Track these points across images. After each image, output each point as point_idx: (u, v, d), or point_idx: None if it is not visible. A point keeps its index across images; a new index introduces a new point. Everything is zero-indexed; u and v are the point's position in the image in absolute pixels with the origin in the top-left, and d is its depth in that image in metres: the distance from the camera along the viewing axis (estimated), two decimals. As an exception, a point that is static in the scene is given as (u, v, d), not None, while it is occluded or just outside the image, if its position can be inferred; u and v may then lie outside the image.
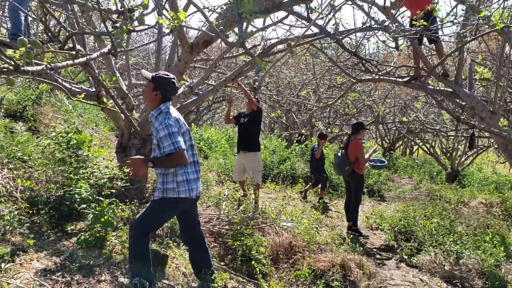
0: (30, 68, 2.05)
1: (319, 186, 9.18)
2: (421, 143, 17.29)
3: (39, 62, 2.10)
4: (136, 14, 3.02)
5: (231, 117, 7.43)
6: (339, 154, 7.03)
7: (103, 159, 6.33)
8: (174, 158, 3.26)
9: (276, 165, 10.47)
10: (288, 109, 16.04)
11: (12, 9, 5.15)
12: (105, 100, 5.22)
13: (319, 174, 9.10)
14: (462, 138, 14.07)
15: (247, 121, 7.07)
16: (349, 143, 6.94)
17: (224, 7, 4.19)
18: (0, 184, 4.66)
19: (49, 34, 4.25)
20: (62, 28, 4.08)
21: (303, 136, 15.25)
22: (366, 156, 7.06)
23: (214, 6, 5.63)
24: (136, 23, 3.06)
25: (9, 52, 2.03)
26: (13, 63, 2.01)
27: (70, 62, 2.48)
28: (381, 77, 7.21)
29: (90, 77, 5.29)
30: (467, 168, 15.68)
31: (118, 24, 2.88)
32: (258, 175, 6.97)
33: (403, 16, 7.22)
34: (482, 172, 17.30)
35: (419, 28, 4.48)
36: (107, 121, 12.68)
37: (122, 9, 3.03)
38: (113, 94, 5.14)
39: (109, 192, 4.80)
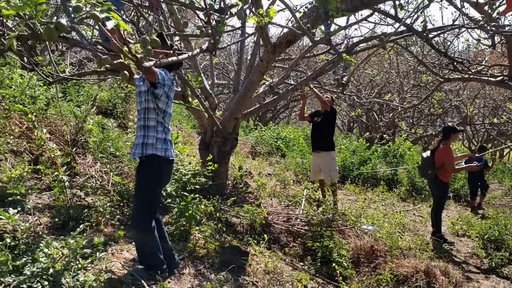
0: (146, 64, 2.21)
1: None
2: (513, 146, 16.06)
3: (151, 58, 2.29)
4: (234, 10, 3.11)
5: (305, 115, 7.41)
6: (425, 156, 6.72)
7: (187, 155, 6.54)
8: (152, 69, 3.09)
9: (356, 166, 10.22)
10: (369, 108, 15.57)
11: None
12: (190, 99, 5.40)
13: (482, 182, 9.69)
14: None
15: (321, 120, 7.07)
16: (438, 147, 6.60)
17: (309, 6, 4.15)
18: (94, 177, 4.99)
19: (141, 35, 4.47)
20: (154, 29, 4.26)
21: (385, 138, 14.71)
22: (460, 166, 6.79)
23: (297, 6, 5.60)
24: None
25: (134, 48, 2.18)
26: (135, 59, 2.19)
27: (175, 58, 2.62)
28: (472, 76, 6.78)
29: (176, 77, 5.48)
30: None
31: (217, 19, 2.97)
32: (334, 174, 6.88)
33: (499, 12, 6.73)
34: None
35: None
36: (189, 118, 13.13)
37: (223, 5, 3.13)
38: (198, 93, 5.30)
39: (192, 188, 4.94)
